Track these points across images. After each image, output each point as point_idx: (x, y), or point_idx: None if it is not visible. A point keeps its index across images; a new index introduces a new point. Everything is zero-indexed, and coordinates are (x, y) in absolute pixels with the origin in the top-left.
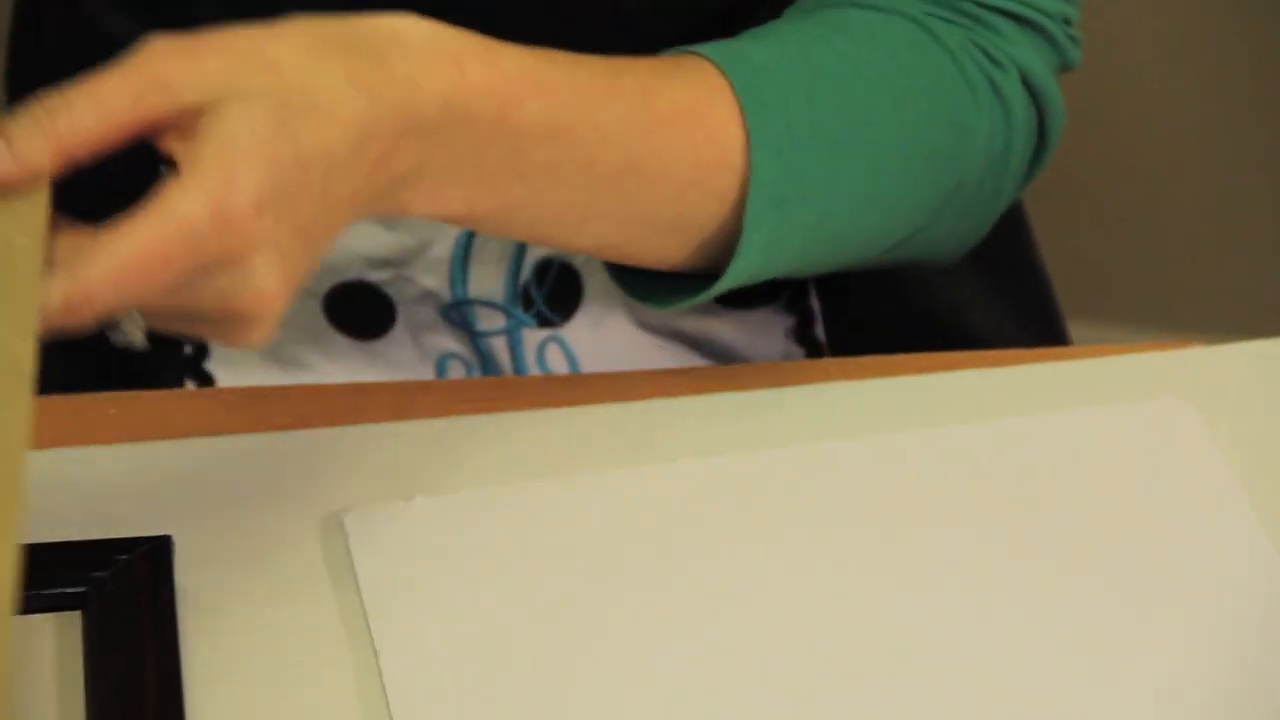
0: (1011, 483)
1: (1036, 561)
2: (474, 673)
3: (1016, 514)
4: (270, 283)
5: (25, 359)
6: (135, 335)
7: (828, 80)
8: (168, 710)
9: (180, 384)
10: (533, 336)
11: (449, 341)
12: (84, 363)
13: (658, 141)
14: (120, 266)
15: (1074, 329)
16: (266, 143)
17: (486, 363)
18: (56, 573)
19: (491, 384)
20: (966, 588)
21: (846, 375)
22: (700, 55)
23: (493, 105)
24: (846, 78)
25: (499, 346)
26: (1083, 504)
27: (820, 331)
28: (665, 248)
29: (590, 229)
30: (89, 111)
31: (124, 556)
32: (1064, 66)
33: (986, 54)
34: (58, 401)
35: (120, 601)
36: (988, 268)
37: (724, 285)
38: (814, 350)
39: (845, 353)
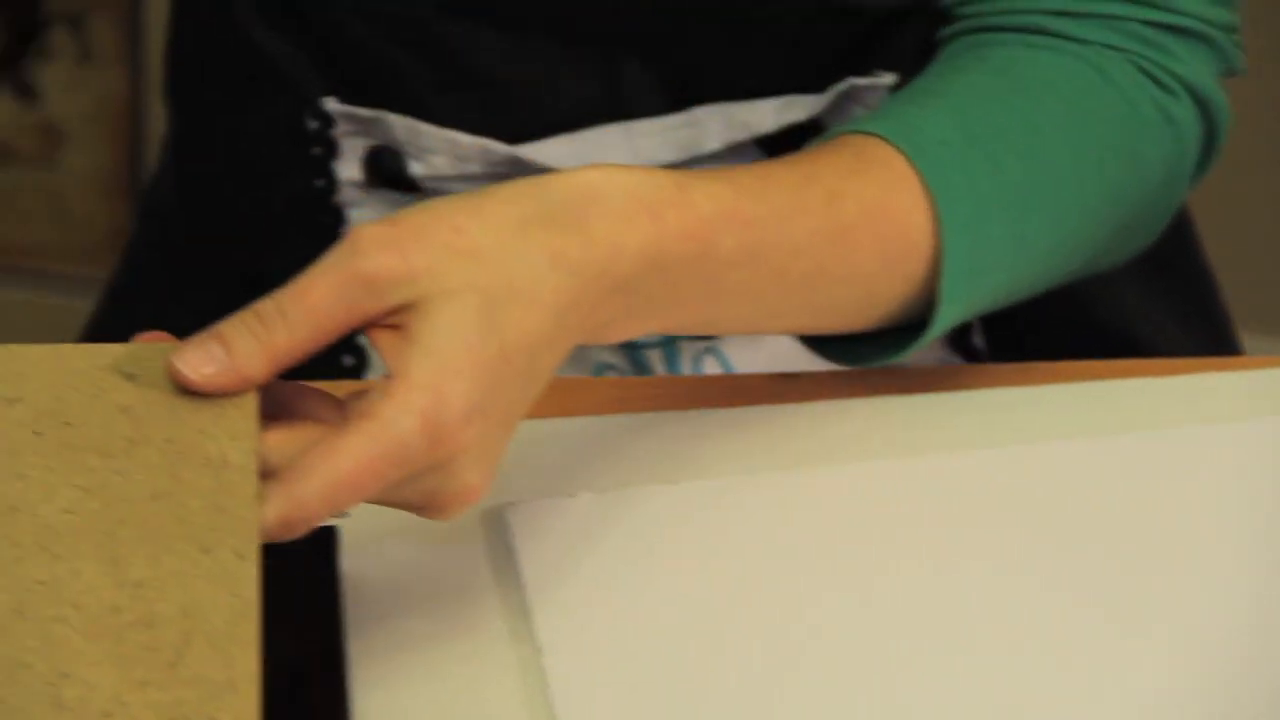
0: (1184, 493)
1: (1212, 572)
2: (635, 669)
3: (1190, 525)
4: (474, 478)
5: (247, 582)
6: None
7: (1008, 142)
8: (331, 696)
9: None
10: (690, 348)
11: (605, 353)
12: None
13: (847, 245)
14: (334, 483)
15: (1246, 340)
16: (474, 348)
17: (643, 374)
18: None
19: (653, 383)
20: (1138, 598)
21: (1013, 381)
22: (880, 137)
23: (690, 248)
24: (1026, 137)
25: (655, 358)
26: (1259, 516)
27: (979, 339)
28: (851, 325)
29: (779, 324)
30: (302, 322)
31: (291, 543)
32: (1229, 72)
33: (1156, 81)
34: None
35: (286, 587)
36: (1152, 269)
37: (914, 350)
38: (971, 358)
39: (1004, 359)
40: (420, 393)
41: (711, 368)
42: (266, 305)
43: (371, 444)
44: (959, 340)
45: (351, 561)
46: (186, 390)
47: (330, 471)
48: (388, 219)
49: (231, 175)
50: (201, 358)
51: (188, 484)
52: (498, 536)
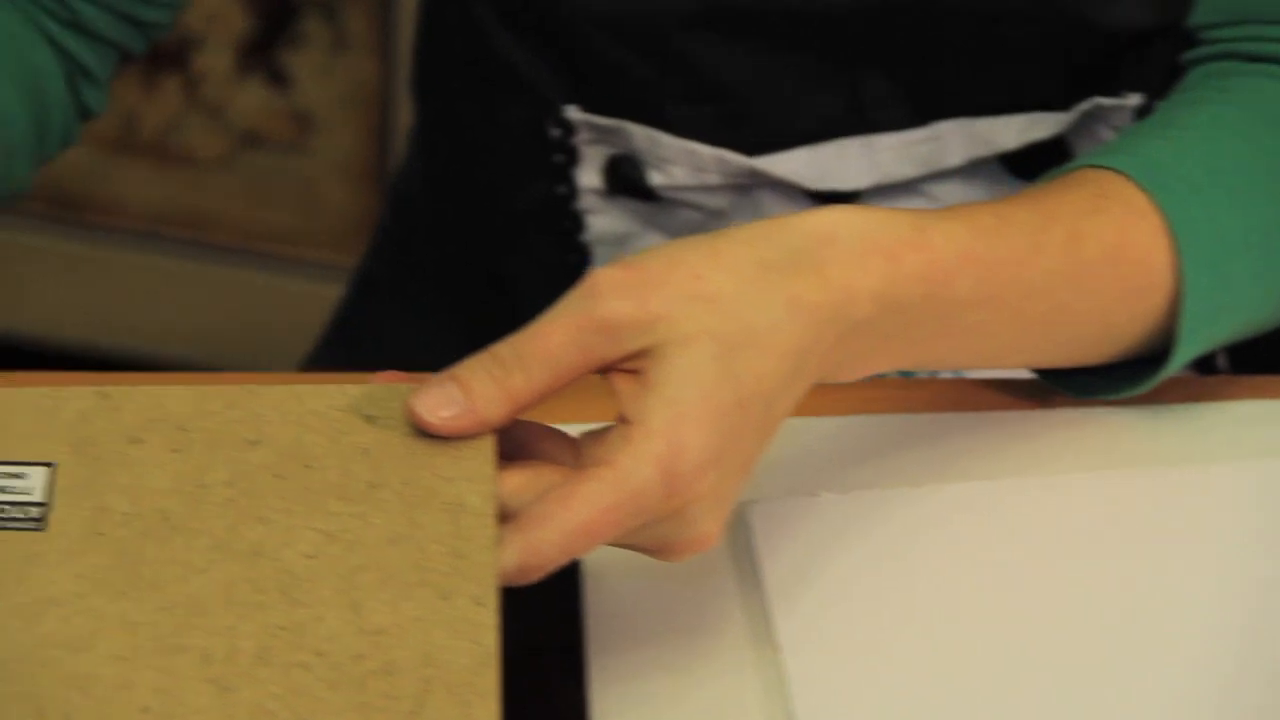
0: None
1: None
2: (874, 671)
3: None
4: (709, 525)
5: (486, 630)
6: None
7: (1252, 178)
8: (569, 683)
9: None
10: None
11: None
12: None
13: (1085, 286)
14: (571, 531)
15: None
16: (711, 396)
17: None
18: None
19: (898, 384)
20: None
21: (1261, 394)
22: (1121, 173)
23: (926, 290)
24: (1270, 173)
25: None
26: None
27: (1221, 360)
28: (1086, 359)
29: (1013, 360)
30: (540, 367)
31: None
32: None
33: None
34: None
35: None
36: None
37: (1148, 386)
38: (1208, 373)
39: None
40: (658, 441)
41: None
42: (504, 349)
43: (609, 492)
44: (1202, 361)
45: (591, 557)
46: (424, 433)
47: (568, 519)
48: (625, 262)
49: (474, 176)
50: (440, 400)
51: (426, 528)
52: (739, 534)
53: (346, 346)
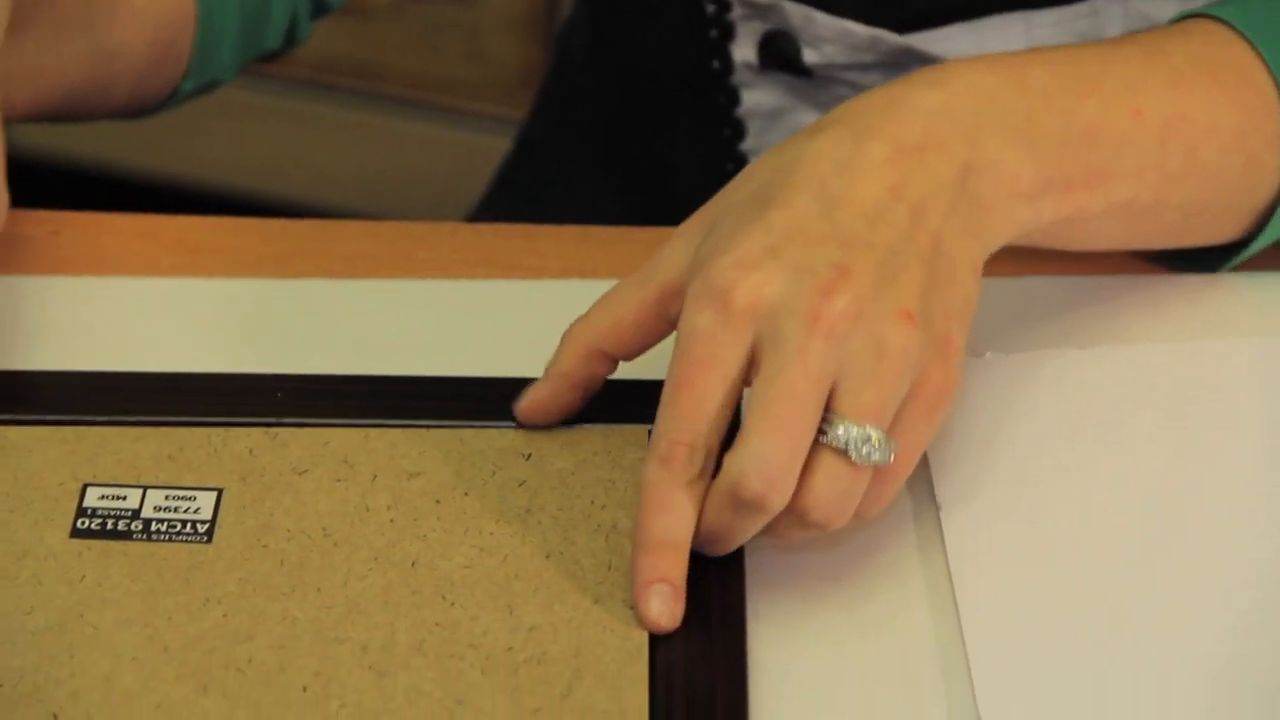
0: None
1: None
2: (1032, 532)
3: None
4: (889, 332)
5: (637, 625)
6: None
7: None
8: (730, 619)
9: (721, 168)
10: None
11: None
12: None
13: (1189, 90)
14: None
15: None
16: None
17: None
18: None
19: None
20: None
21: None
22: (1203, 16)
23: (998, 79)
24: None
25: None
26: None
27: None
28: (1243, 201)
29: (1172, 199)
30: (597, 308)
31: None
32: None
33: None
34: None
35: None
36: None
37: (1260, 244)
38: None
39: None
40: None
41: None
42: None
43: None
44: None
45: None
46: (578, 468)
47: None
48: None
49: (634, 42)
50: (535, 394)
51: (579, 545)
52: None
53: (508, 203)
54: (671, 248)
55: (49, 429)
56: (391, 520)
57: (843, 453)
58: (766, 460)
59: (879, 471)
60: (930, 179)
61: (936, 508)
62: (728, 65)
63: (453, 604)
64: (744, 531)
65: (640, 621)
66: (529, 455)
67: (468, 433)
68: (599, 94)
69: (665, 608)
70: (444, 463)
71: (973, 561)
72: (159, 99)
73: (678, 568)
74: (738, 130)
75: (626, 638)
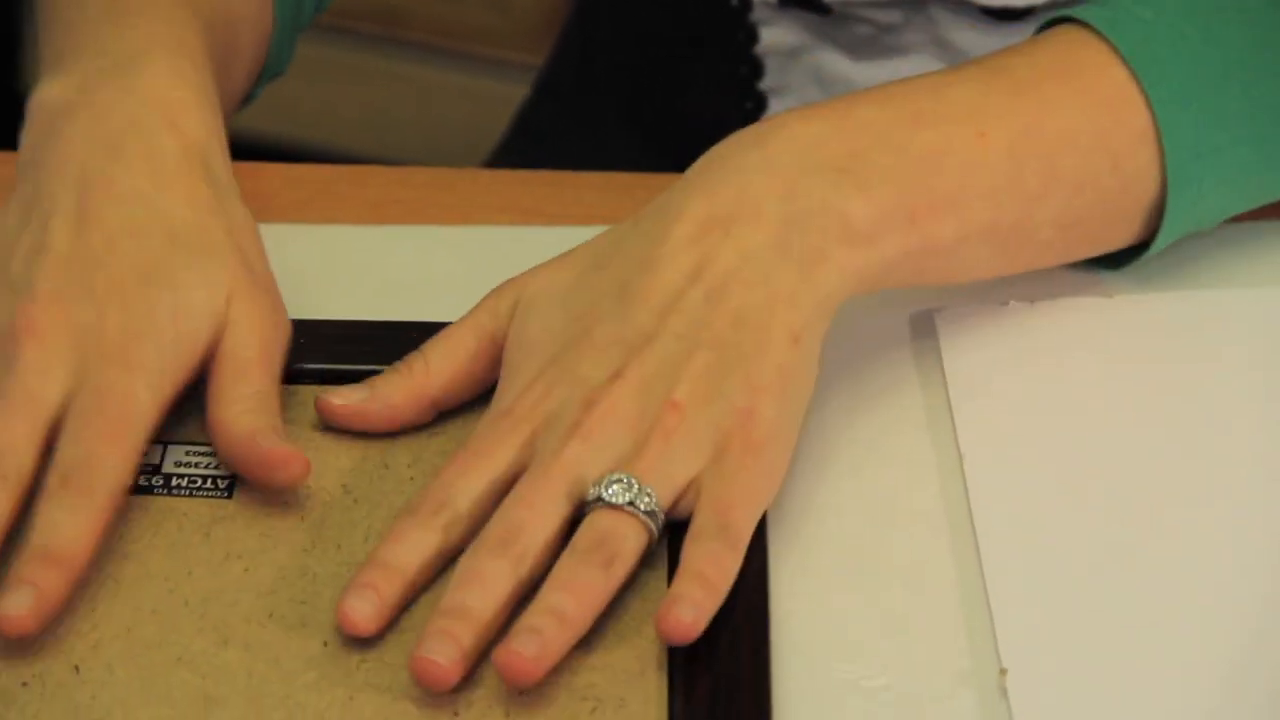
0: None
1: None
2: (1052, 478)
3: None
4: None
5: (656, 589)
6: None
7: (1213, 8)
8: (752, 565)
9: (740, 107)
10: None
11: None
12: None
13: (1037, 99)
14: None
15: None
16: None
17: None
18: None
19: None
20: None
21: None
22: (1069, 22)
23: (821, 125)
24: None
25: None
26: None
27: None
28: (1118, 214)
29: (1039, 215)
30: (436, 350)
31: None
32: None
33: None
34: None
35: None
36: None
37: (1159, 246)
38: None
39: None
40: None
41: None
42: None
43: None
44: None
45: None
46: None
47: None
48: None
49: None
50: (347, 392)
51: None
52: (925, 340)
53: (525, 148)
54: (502, 299)
55: None
56: (411, 478)
57: (597, 500)
58: (508, 514)
59: (693, 533)
60: (736, 252)
61: (959, 455)
62: (747, 2)
63: None
64: (499, 580)
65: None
66: None
67: (487, 392)
68: (619, 34)
69: (367, 609)
70: (464, 422)
71: (995, 509)
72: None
73: (390, 585)
74: (756, 69)
75: (646, 597)
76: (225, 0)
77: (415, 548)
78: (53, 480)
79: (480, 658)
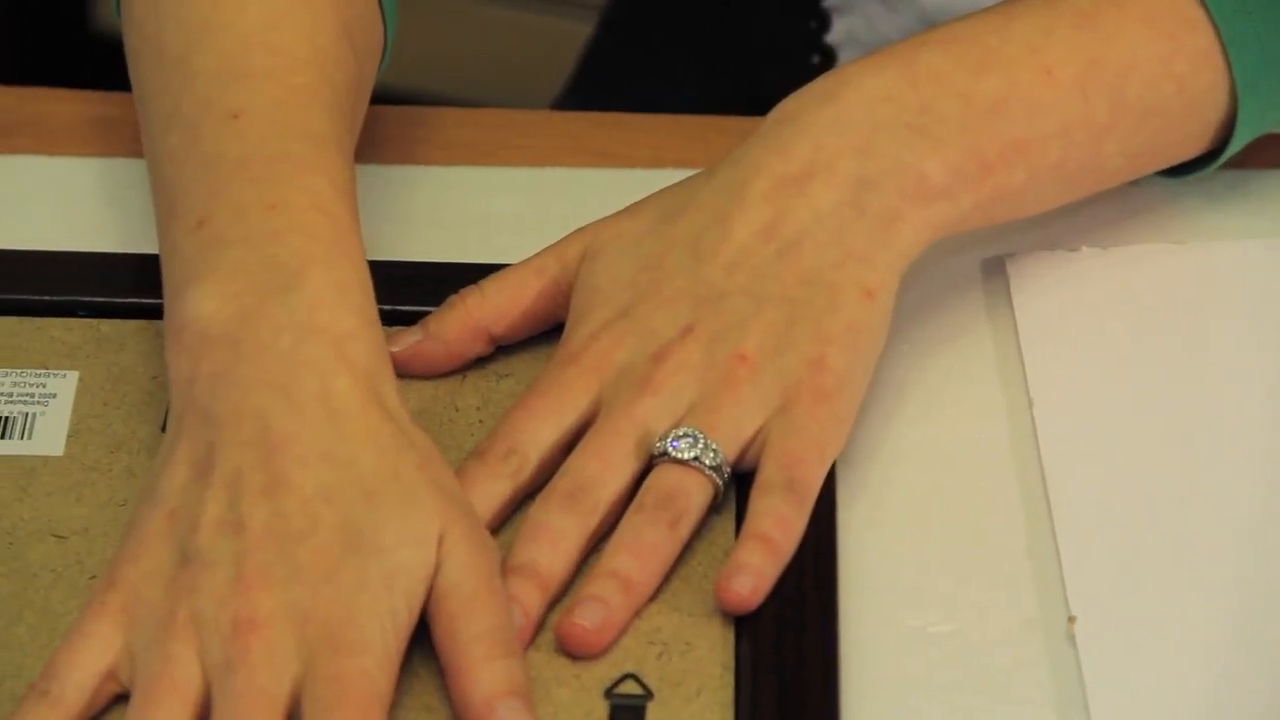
0: None
1: None
2: (1121, 424)
3: None
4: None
5: (724, 535)
6: None
7: None
8: (820, 507)
9: (806, 60)
10: None
11: None
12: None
13: (1098, 30)
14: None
15: None
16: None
17: None
18: None
19: None
20: None
21: None
22: None
23: (888, 76)
24: None
25: None
26: None
27: None
28: (1180, 133)
29: (1108, 147)
30: (495, 284)
31: None
32: None
33: None
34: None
35: None
36: None
37: (1229, 154)
38: None
39: None
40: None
41: None
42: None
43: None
44: None
45: None
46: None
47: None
48: None
49: None
50: (405, 336)
51: None
52: (996, 285)
53: (592, 89)
54: (570, 245)
55: (142, 322)
56: (480, 421)
57: (663, 455)
58: (578, 467)
59: (759, 487)
60: (810, 210)
61: (1029, 402)
62: None
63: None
64: (568, 536)
65: None
66: None
67: (557, 335)
68: None
69: None
70: (533, 364)
71: (1065, 456)
72: None
73: (468, 518)
74: (823, 22)
75: (713, 542)
76: (348, 61)
77: (486, 495)
78: None
79: (551, 609)
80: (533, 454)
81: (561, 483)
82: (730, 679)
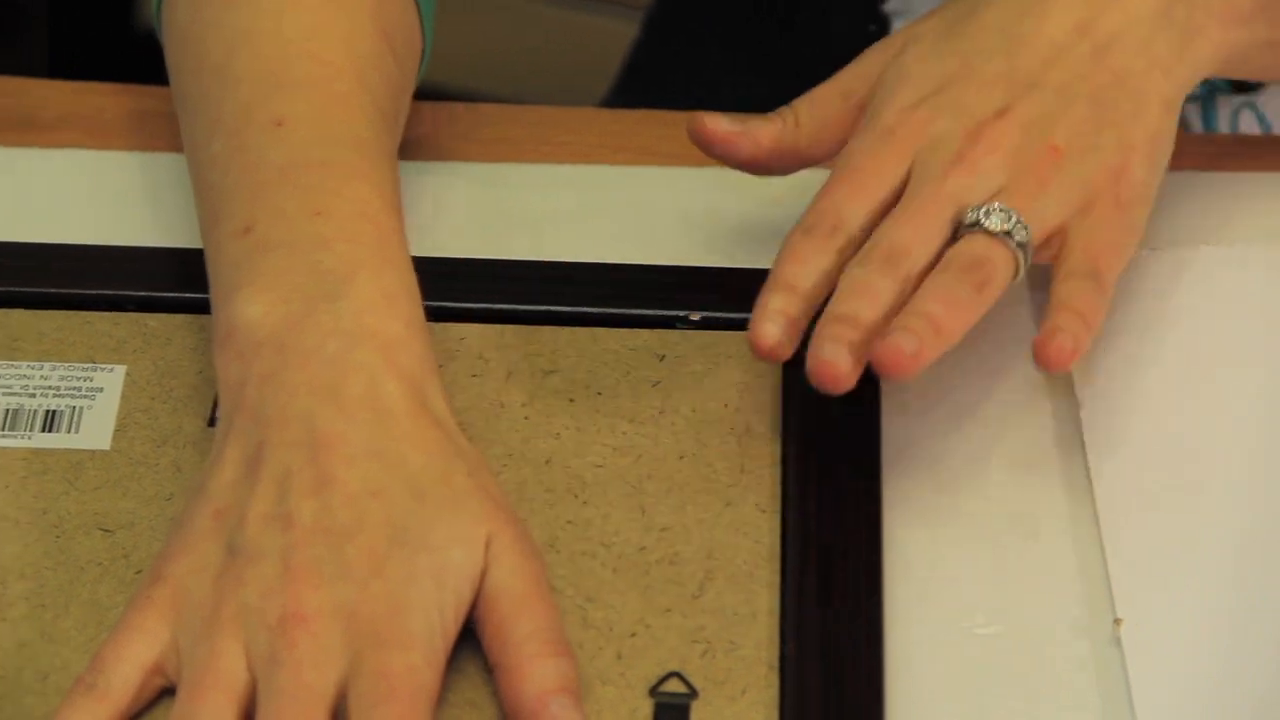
0: None
1: None
2: (1169, 425)
3: None
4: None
5: (769, 531)
6: None
7: None
8: (865, 516)
9: (863, 28)
10: (1227, 103)
11: None
12: None
13: None
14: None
15: None
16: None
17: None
18: None
19: (1190, 140)
20: None
21: None
22: None
23: None
24: None
25: (1191, 111)
26: None
27: None
28: None
29: None
30: (804, 102)
31: None
32: None
33: None
34: None
35: None
36: None
37: None
38: None
39: None
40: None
41: (1247, 121)
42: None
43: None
44: None
45: None
46: (711, 369)
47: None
48: None
49: None
50: (721, 118)
51: (713, 448)
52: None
53: (637, 89)
54: (871, 61)
55: (189, 317)
56: (526, 417)
57: (974, 225)
58: (893, 234)
59: (1064, 273)
60: (1123, 13)
61: (1076, 404)
62: None
63: (585, 502)
64: (885, 294)
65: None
66: (663, 356)
67: (602, 331)
68: None
69: (777, 332)
70: (579, 361)
71: (1112, 456)
72: None
73: (795, 306)
74: (882, 25)
75: (758, 540)
76: (388, 67)
77: (815, 268)
78: None
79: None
80: (855, 226)
81: (879, 247)
82: (775, 678)
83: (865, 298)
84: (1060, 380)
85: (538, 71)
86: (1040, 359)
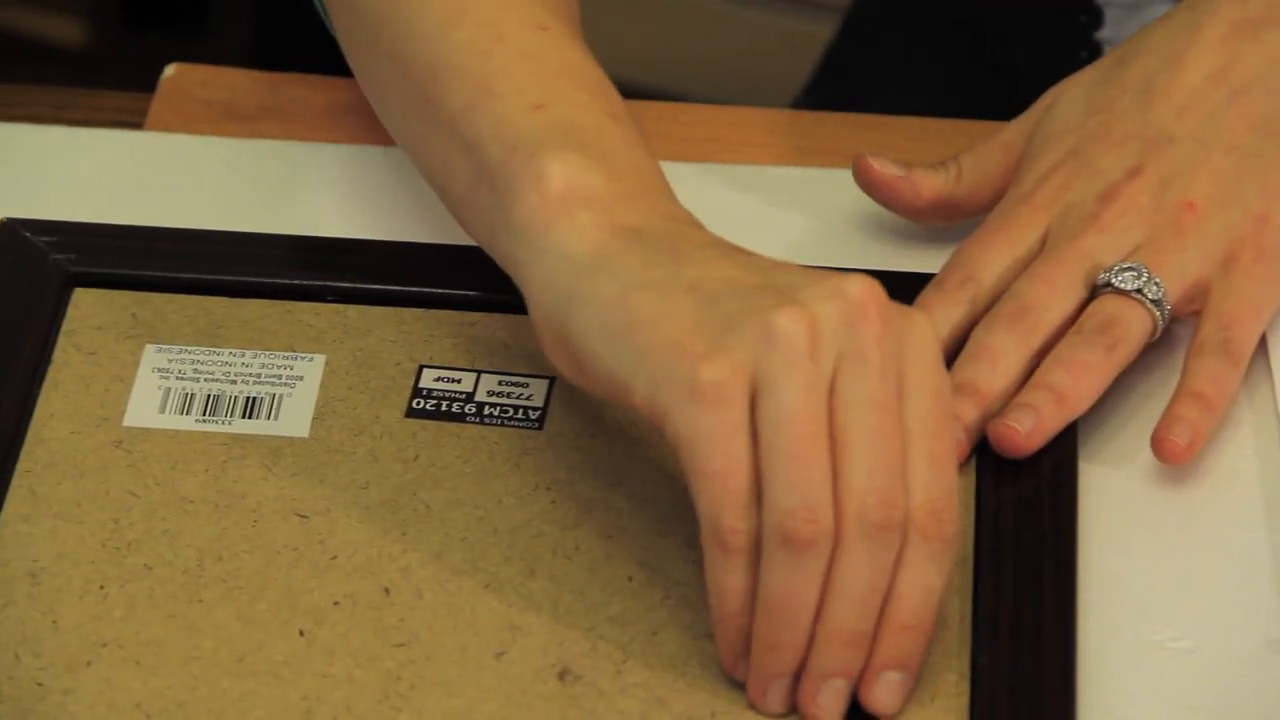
0: None
1: None
2: None
3: None
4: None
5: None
6: None
7: None
8: (1061, 522)
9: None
10: None
11: None
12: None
13: None
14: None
15: None
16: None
17: None
18: None
19: None
20: None
21: None
22: None
23: None
24: None
25: None
26: None
27: None
28: None
29: None
30: (968, 157)
31: None
32: None
33: None
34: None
35: None
36: None
37: None
38: None
39: None
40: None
41: None
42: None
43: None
44: None
45: None
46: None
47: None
48: None
49: None
50: (887, 161)
51: None
52: None
53: (832, 90)
54: (1033, 114)
55: (388, 309)
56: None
57: (1107, 286)
58: (1022, 291)
59: (1195, 347)
60: (1264, 57)
61: (1277, 416)
62: None
63: None
64: (1008, 354)
65: None
66: None
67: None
68: None
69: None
70: None
71: None
72: None
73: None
74: (1095, 17)
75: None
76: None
77: (943, 320)
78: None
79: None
80: (987, 281)
81: (1006, 306)
82: (965, 687)
83: (985, 361)
84: (1260, 392)
85: (733, 72)
86: (1157, 452)
